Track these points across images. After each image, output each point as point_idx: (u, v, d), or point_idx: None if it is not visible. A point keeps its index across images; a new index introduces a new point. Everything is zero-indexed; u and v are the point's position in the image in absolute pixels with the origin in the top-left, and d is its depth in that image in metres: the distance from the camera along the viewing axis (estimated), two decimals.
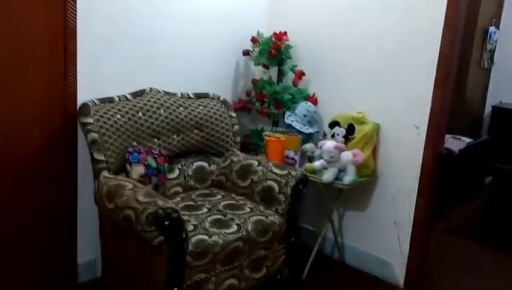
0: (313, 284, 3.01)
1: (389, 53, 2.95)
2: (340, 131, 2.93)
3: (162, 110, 2.80)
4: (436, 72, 2.76)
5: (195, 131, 2.94)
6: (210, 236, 2.32)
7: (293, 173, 2.72)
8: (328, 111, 3.24)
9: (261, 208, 2.69)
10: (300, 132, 3.12)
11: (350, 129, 2.92)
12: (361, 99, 3.10)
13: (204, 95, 3.08)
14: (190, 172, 2.94)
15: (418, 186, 2.91)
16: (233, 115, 3.11)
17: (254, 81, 3.40)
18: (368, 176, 2.99)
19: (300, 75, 3.26)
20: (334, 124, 2.98)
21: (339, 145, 2.76)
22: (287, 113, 3.23)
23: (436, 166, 2.90)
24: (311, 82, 3.35)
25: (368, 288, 3.08)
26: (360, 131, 2.95)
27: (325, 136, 3.06)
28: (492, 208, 3.87)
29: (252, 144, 3.37)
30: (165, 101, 2.84)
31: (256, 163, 2.88)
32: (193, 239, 2.27)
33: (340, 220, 3.32)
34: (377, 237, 3.15)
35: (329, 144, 2.77)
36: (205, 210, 2.59)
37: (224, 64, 3.36)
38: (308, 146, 3.06)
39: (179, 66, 3.06)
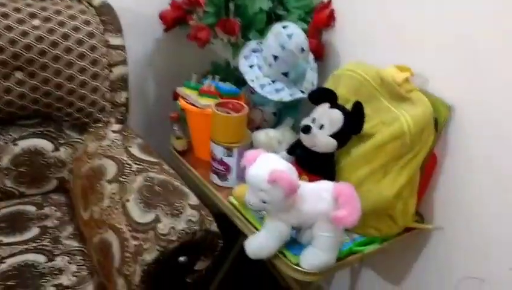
0: None
1: None
2: (330, 117, 1.10)
3: None
4: None
5: (18, 74, 1.33)
6: None
7: (163, 225, 1.03)
8: (347, 51, 1.38)
9: None
10: (262, 97, 1.34)
11: (354, 115, 1.08)
12: (421, 40, 1.20)
13: None
14: (7, 160, 1.38)
15: None
16: (117, 42, 1.40)
17: None
18: (398, 236, 1.18)
19: None
20: (321, 94, 1.14)
21: (282, 176, 0.94)
22: (249, 45, 1.43)
23: None
24: None
25: None
26: (388, 121, 1.09)
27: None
28: None
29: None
30: None
31: (114, 170, 1.22)
32: None
33: None
34: None
35: (259, 166, 0.98)
36: None
37: None
38: (264, 136, 1.29)
39: None
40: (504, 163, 1.07)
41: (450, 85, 1.15)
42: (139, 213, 1.08)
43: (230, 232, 1.25)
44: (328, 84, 1.23)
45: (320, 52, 1.48)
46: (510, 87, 1.03)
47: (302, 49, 1.30)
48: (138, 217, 1.07)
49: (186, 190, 1.16)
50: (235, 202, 1.21)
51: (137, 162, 1.23)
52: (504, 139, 1.06)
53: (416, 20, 1.21)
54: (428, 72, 1.18)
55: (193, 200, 1.12)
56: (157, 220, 1.05)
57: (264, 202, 0.98)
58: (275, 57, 1.31)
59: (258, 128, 1.41)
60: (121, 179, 1.18)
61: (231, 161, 1.26)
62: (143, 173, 1.19)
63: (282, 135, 1.30)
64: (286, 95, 1.32)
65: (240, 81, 1.53)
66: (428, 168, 1.19)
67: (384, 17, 1.30)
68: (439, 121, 1.13)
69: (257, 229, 1.13)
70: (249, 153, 1.01)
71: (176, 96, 1.54)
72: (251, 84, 1.33)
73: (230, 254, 1.66)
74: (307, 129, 1.09)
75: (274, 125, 1.40)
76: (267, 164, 0.97)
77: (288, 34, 1.28)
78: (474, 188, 1.14)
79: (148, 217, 1.06)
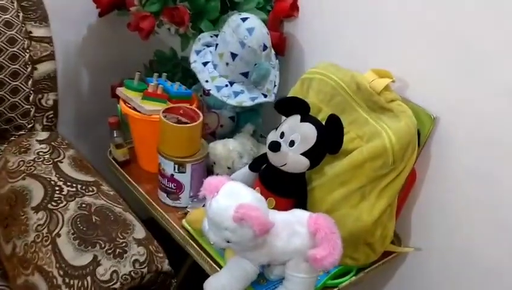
0: None
1: None
2: (302, 133, 0.93)
3: None
4: None
5: None
6: None
7: (104, 269, 0.84)
8: (312, 47, 1.22)
9: None
10: (218, 100, 1.15)
11: (331, 130, 0.92)
12: (402, 36, 1.05)
13: None
14: None
15: None
16: (41, 33, 1.16)
17: None
18: (375, 262, 1.05)
19: None
20: (290, 105, 0.97)
21: (251, 214, 0.78)
22: (202, 38, 1.23)
23: None
24: None
25: None
26: (366, 136, 0.95)
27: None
28: None
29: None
30: None
31: (40, 194, 1.01)
32: None
33: None
34: None
35: (222, 199, 0.81)
36: None
37: None
38: (221, 148, 1.11)
39: None
40: (492, 178, 0.95)
41: (434, 92, 1.01)
42: (73, 253, 0.88)
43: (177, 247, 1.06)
44: (296, 90, 1.07)
45: (281, 46, 1.30)
46: (502, 94, 0.90)
47: (265, 46, 1.13)
48: (72, 258, 0.88)
49: (130, 217, 0.98)
50: (189, 228, 1.04)
51: (70, 183, 1.02)
52: (493, 151, 0.94)
53: (396, 12, 1.06)
54: (409, 76, 1.04)
55: (139, 232, 0.94)
56: (95, 262, 0.86)
57: (229, 241, 0.81)
58: (233, 55, 1.12)
59: (212, 134, 1.23)
60: (50, 206, 0.97)
61: (184, 178, 1.08)
62: (77, 198, 0.99)
63: (242, 146, 1.12)
64: (246, 98, 1.14)
65: (189, 74, 1.34)
66: (407, 185, 1.06)
67: (358, 8, 1.14)
68: (422, 134, 1.00)
69: (216, 263, 0.96)
70: (210, 182, 0.83)
71: (114, 93, 1.32)
72: (205, 85, 1.14)
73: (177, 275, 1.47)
74: (275, 147, 0.92)
75: (232, 131, 1.23)
76: (232, 196, 0.80)
77: (249, 28, 1.10)
78: (457, 206, 1.03)
79: (85, 259, 0.87)
